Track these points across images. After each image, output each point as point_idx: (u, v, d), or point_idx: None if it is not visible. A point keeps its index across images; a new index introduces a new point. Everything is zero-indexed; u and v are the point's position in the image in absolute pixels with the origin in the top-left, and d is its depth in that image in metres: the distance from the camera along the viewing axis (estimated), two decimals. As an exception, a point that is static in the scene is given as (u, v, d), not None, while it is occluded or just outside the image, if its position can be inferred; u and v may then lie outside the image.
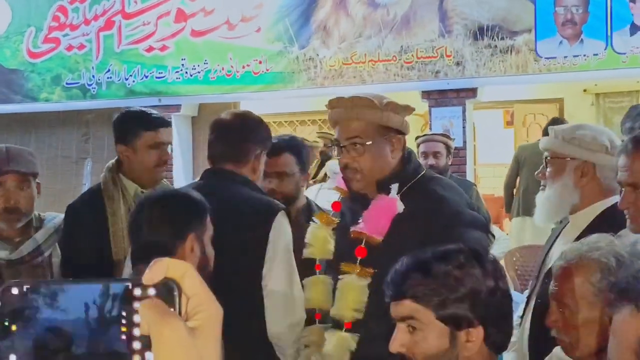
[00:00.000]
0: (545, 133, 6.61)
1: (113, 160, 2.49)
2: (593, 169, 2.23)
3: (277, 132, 6.01)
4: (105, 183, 2.38)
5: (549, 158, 2.32)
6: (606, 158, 2.25)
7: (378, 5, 5.78)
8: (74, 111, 6.76)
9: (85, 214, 2.39)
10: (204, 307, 0.51)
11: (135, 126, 2.36)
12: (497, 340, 1.39)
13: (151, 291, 0.50)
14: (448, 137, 4.63)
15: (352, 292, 2.01)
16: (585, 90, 6.38)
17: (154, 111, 2.63)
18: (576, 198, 2.23)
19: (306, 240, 2.15)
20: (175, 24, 6.42)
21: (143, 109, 2.64)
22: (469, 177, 5.41)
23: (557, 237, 2.34)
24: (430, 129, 5.73)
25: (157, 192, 2.20)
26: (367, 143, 2.02)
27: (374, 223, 2.02)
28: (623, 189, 1.94)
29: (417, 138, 4.54)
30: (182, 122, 6.63)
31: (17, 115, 7.10)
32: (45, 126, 7.08)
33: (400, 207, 2.00)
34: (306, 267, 2.17)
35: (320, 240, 2.13)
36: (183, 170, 6.31)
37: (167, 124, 2.53)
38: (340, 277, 2.05)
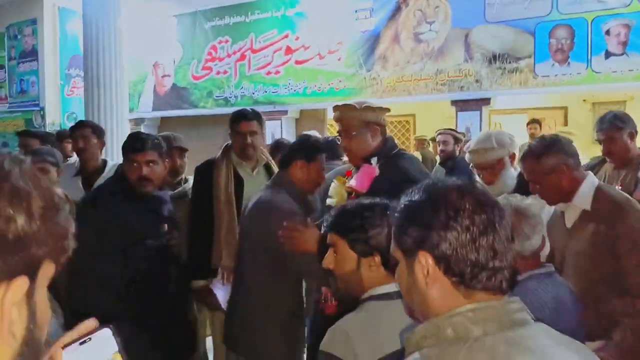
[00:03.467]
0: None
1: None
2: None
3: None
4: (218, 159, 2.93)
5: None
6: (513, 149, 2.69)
7: (421, 41, 6.52)
8: (220, 115, 7.11)
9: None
10: None
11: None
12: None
13: None
14: (454, 131, 5.38)
15: (339, 191, 2.39)
16: (584, 100, 6.56)
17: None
18: None
19: (329, 194, 2.45)
20: (285, 56, 7.36)
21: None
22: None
23: None
24: (457, 127, 6.22)
25: None
26: (353, 133, 2.38)
27: (360, 181, 2.32)
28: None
29: (437, 132, 5.43)
30: (289, 122, 7.60)
31: (186, 118, 8.11)
32: (203, 125, 7.79)
33: (377, 171, 2.32)
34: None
35: (339, 193, 2.42)
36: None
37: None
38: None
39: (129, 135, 2.71)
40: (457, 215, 0.94)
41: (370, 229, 1.49)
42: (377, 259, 1.49)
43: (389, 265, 1.40)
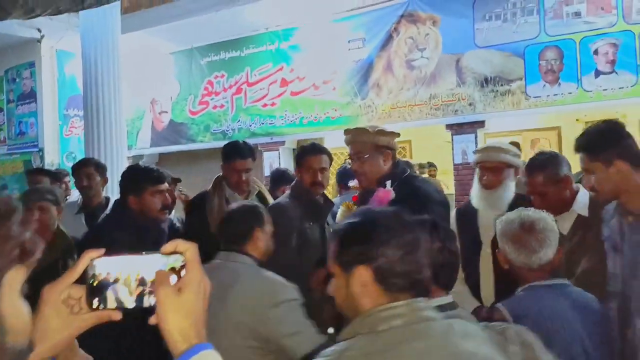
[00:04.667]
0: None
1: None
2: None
3: (344, 160, 6.92)
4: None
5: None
6: (520, 164, 2.65)
7: (413, 67, 6.57)
8: (218, 148, 6.44)
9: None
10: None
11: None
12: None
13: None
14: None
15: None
16: (577, 120, 6.57)
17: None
18: None
19: (336, 220, 2.53)
20: (280, 87, 7.41)
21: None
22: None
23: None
24: (453, 150, 6.41)
25: None
26: (365, 156, 2.39)
27: (376, 205, 2.27)
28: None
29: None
30: (287, 152, 7.58)
31: (184, 153, 8.18)
32: (201, 158, 7.81)
33: (392, 194, 2.31)
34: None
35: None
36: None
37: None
38: None
39: (146, 167, 2.70)
40: (392, 235, 1.12)
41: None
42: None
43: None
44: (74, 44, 6.23)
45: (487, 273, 2.54)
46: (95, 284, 0.74)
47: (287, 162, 7.56)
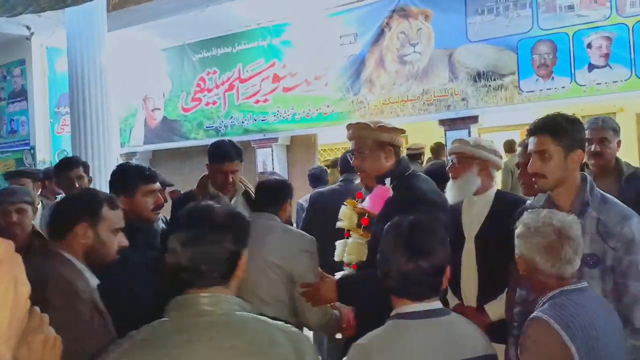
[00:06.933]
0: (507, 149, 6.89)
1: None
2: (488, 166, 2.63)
3: (338, 154, 7.01)
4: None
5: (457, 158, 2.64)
6: (496, 158, 2.65)
7: (406, 62, 6.49)
8: None
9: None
10: None
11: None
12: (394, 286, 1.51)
13: None
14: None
15: (357, 247, 2.32)
16: (573, 114, 6.56)
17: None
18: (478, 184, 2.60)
19: (339, 217, 2.41)
20: (272, 84, 7.34)
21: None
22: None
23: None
24: (446, 146, 6.25)
25: None
26: (366, 152, 2.31)
27: (372, 202, 2.30)
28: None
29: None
30: (280, 149, 7.53)
31: (177, 150, 8.17)
32: (194, 155, 7.76)
33: (390, 193, 2.27)
34: (339, 234, 2.44)
35: (348, 216, 2.40)
36: (281, 182, 7.22)
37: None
38: (350, 238, 2.39)
39: (137, 166, 2.58)
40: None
41: None
42: None
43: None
44: (64, 41, 6.12)
45: (470, 269, 2.53)
46: None
47: (280, 159, 7.57)
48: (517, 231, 1.71)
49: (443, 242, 1.52)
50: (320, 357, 1.87)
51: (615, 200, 1.97)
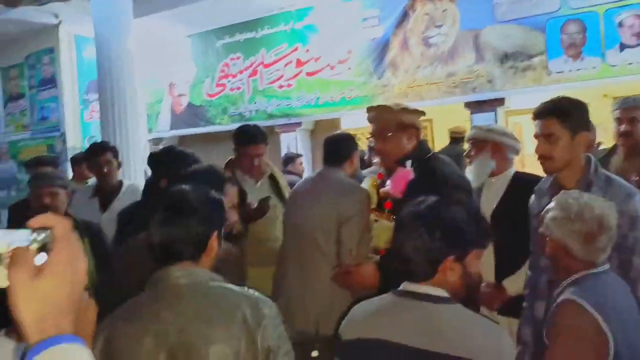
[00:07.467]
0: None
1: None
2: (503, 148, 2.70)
3: (362, 138, 6.93)
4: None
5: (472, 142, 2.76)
6: (510, 141, 2.72)
7: (430, 45, 6.36)
8: None
9: None
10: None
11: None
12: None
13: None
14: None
15: (384, 231, 2.30)
16: (605, 95, 6.30)
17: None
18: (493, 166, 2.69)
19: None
20: (296, 68, 7.28)
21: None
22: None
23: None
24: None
25: None
26: (389, 134, 2.31)
27: (394, 186, 2.28)
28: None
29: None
30: (303, 134, 7.53)
31: (202, 135, 8.14)
32: (220, 141, 7.36)
33: (412, 175, 2.25)
34: None
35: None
36: (306, 166, 6.75)
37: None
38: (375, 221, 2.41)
39: (182, 151, 2.54)
40: None
41: None
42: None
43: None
44: (91, 29, 6.20)
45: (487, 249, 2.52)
46: None
47: (304, 144, 7.56)
48: (552, 213, 1.69)
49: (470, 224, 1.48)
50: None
51: (621, 180, 2.00)
